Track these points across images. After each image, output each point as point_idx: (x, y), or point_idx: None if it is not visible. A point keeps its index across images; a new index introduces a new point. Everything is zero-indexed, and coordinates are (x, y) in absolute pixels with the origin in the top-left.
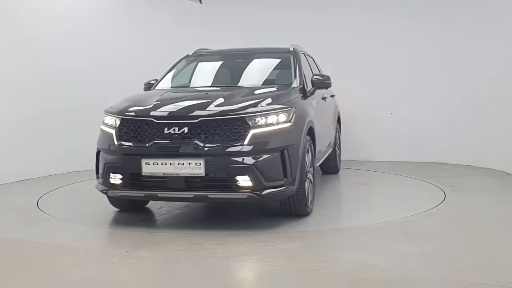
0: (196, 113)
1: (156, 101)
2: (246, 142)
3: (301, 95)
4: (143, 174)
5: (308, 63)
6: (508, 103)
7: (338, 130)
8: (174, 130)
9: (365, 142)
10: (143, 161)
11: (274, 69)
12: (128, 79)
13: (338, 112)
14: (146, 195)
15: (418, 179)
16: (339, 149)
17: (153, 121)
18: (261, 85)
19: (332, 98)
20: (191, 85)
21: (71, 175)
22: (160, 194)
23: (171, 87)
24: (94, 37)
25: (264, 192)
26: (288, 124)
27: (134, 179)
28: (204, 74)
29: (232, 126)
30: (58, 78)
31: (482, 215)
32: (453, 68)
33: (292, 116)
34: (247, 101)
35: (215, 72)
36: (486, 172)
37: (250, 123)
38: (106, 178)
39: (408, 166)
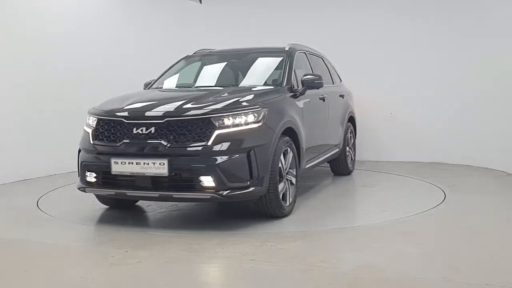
0: (162, 113)
1: (133, 102)
2: (210, 142)
3: (284, 95)
4: (112, 173)
5: (309, 63)
6: (508, 103)
7: (352, 131)
8: (142, 130)
9: (365, 142)
10: (112, 160)
11: (265, 69)
12: (128, 79)
13: (350, 112)
14: (116, 194)
15: (418, 179)
16: (353, 150)
17: (123, 121)
18: (249, 85)
19: (341, 98)
20: (184, 85)
21: (71, 175)
22: (129, 192)
23: (163, 88)
24: (94, 37)
25: (227, 193)
26: (256, 125)
27: (105, 177)
28: (199, 75)
29: (197, 127)
30: (58, 78)
31: (482, 215)
32: (453, 68)
33: (262, 116)
34: (218, 101)
35: (208, 73)
36: (486, 172)
37: (217, 123)
38: (82, 176)
39: (408, 166)
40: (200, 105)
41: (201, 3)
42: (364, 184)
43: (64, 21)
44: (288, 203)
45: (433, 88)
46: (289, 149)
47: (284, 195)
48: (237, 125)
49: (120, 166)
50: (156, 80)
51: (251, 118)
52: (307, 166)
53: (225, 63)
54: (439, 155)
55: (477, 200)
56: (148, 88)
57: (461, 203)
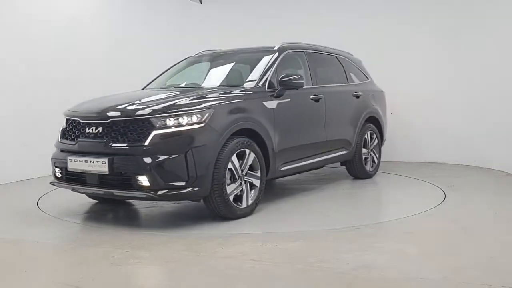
0: (108, 113)
1: (98, 102)
2: (147, 142)
3: (249, 96)
4: (68, 169)
5: (307, 62)
6: (509, 103)
7: (375, 132)
8: (92, 129)
9: None
10: (68, 158)
11: (247, 69)
12: (128, 79)
13: (371, 112)
14: (73, 189)
15: (418, 179)
16: (376, 153)
17: (80, 121)
18: (223, 85)
19: (355, 97)
20: (174, 85)
21: None
22: (82, 189)
23: (153, 88)
24: (94, 37)
25: (162, 193)
26: (198, 126)
27: (66, 173)
28: (189, 75)
29: (138, 127)
30: (58, 78)
31: (482, 215)
32: (454, 68)
33: (206, 118)
34: (163, 102)
35: (197, 73)
36: (486, 172)
37: (156, 124)
38: (53, 171)
39: (408, 166)
40: (143, 106)
41: (201, 3)
42: (364, 183)
43: (64, 21)
44: (245, 205)
45: (433, 89)
46: (247, 150)
47: (239, 197)
48: (176, 126)
49: (74, 164)
50: (153, 80)
51: (193, 119)
52: (284, 168)
53: (217, 63)
54: (439, 155)
55: (477, 200)
56: (143, 89)
57: (461, 203)
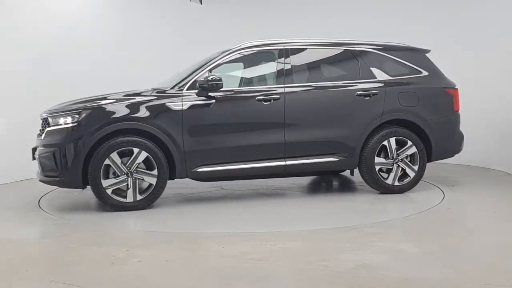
0: (42, 113)
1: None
2: (42, 137)
3: (155, 97)
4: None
5: (277, 62)
6: (508, 102)
7: (412, 139)
8: (41, 126)
9: None
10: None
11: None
12: (129, 80)
13: (395, 114)
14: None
15: None
16: (412, 165)
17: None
18: (162, 88)
19: (364, 97)
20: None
21: None
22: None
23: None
24: (94, 38)
25: (45, 179)
26: (72, 125)
27: None
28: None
29: (46, 125)
30: (59, 78)
31: (482, 215)
32: (453, 68)
33: (82, 118)
34: (65, 103)
35: (176, 74)
36: (486, 172)
37: (50, 122)
38: None
39: None
40: (56, 108)
41: (201, 3)
42: (363, 183)
43: (64, 21)
44: (131, 200)
45: None
46: (136, 149)
47: (122, 191)
48: (60, 125)
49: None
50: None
51: (70, 119)
52: (202, 170)
53: (196, 64)
54: None
55: (477, 200)
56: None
57: (461, 203)
